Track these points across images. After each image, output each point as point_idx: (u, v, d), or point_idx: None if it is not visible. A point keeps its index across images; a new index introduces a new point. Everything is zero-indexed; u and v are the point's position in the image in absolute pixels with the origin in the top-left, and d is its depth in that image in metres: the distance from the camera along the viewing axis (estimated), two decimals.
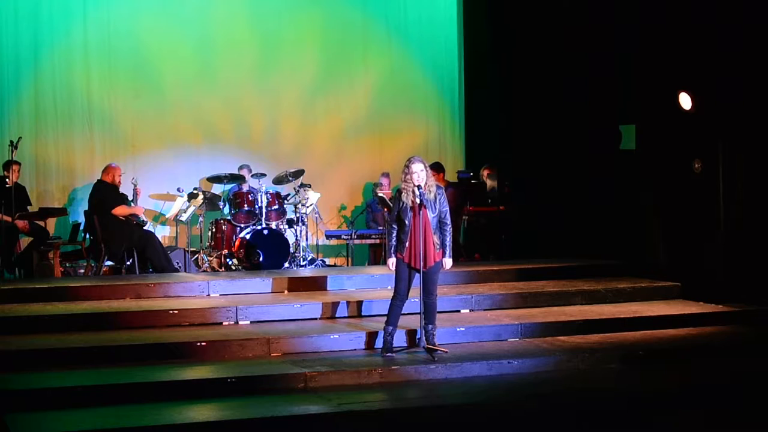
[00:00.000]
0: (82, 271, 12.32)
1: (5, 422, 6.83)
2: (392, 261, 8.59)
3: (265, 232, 12.41)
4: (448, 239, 8.58)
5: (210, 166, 13.42)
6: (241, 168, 13.39)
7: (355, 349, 8.79)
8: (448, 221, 8.58)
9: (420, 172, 8.42)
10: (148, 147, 13.62)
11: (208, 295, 10.23)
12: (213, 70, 13.90)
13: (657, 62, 11.53)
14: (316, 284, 10.60)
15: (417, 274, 8.52)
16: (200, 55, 13.88)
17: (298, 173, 13.11)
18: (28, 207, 12.16)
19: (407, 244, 8.46)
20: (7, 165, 11.76)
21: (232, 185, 13.04)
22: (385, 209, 12.12)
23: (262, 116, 14.17)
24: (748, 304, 10.43)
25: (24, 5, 13.11)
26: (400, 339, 8.76)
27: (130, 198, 12.23)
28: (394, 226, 8.58)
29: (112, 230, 11.70)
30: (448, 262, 8.64)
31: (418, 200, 8.39)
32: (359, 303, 9.75)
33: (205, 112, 13.87)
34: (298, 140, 14.33)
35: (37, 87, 13.18)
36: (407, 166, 8.47)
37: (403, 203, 8.47)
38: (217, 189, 13.51)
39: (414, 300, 8.71)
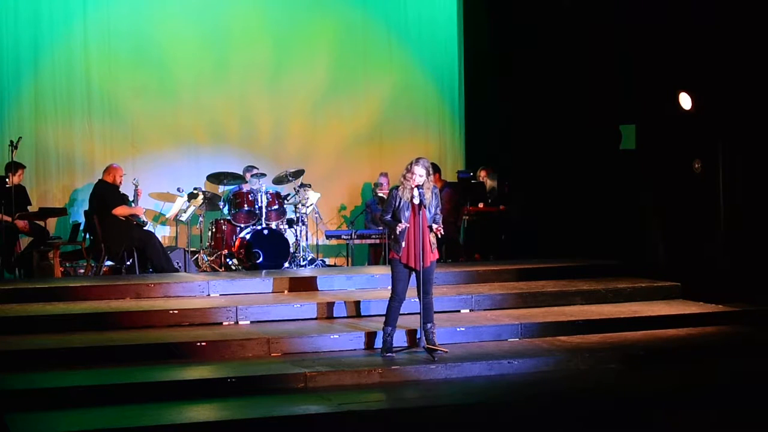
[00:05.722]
0: (82, 271, 12.33)
1: (5, 422, 6.83)
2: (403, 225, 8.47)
3: (265, 232, 12.40)
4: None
5: (212, 165, 13.40)
6: (248, 169, 13.34)
7: (354, 349, 8.78)
8: (440, 221, 8.61)
9: (420, 177, 8.41)
10: (149, 146, 13.61)
11: (208, 295, 10.23)
12: (217, 68, 13.88)
13: (657, 62, 11.53)
14: (316, 284, 10.60)
15: (412, 275, 8.53)
16: (204, 53, 13.85)
17: (298, 173, 13.10)
18: (28, 207, 12.16)
19: (404, 244, 8.45)
20: (10, 167, 11.74)
21: (233, 186, 13.02)
22: None
23: (268, 117, 14.15)
24: (748, 304, 10.43)
25: (24, 5, 13.10)
26: (400, 339, 8.76)
27: (131, 198, 12.23)
28: (388, 217, 8.55)
29: (112, 230, 11.71)
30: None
31: (417, 201, 8.39)
32: (359, 303, 9.75)
33: (209, 111, 13.86)
34: (303, 141, 14.33)
35: (37, 87, 13.16)
36: (410, 167, 8.44)
37: (401, 202, 8.45)
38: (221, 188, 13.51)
39: (413, 300, 8.71)
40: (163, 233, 13.52)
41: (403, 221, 8.43)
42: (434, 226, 8.50)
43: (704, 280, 10.85)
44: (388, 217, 8.55)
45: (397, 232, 8.46)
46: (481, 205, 13.46)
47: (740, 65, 10.79)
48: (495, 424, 7.30)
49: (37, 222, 12.20)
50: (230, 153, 13.87)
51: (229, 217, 12.73)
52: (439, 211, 8.60)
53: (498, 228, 13.34)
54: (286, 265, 12.37)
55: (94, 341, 8.55)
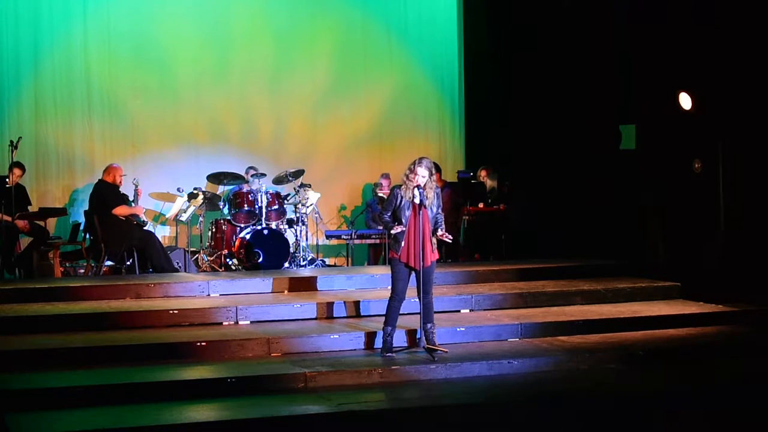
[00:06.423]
0: (82, 271, 12.32)
1: (5, 422, 6.83)
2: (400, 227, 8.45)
3: (265, 232, 12.40)
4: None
5: (213, 165, 13.39)
6: (247, 170, 13.34)
7: (354, 349, 8.78)
8: (442, 221, 8.61)
9: (422, 177, 8.39)
10: (149, 146, 13.60)
11: (208, 295, 10.23)
12: (218, 68, 13.87)
13: (657, 62, 11.53)
14: (316, 284, 10.60)
15: (411, 274, 8.52)
16: (204, 53, 13.84)
17: (298, 173, 13.11)
18: (28, 207, 12.16)
19: (404, 243, 8.44)
20: (12, 167, 11.76)
21: (233, 186, 13.01)
22: None
23: (268, 117, 14.14)
24: (748, 304, 10.43)
25: (24, 5, 13.09)
26: (400, 339, 8.76)
27: (131, 198, 12.23)
28: (387, 216, 8.53)
29: (112, 230, 11.71)
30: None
31: (417, 200, 8.38)
32: (359, 303, 9.74)
33: (210, 111, 13.84)
34: (303, 142, 14.33)
35: (37, 87, 13.16)
36: (413, 167, 8.40)
37: (402, 200, 8.43)
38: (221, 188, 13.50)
39: (413, 300, 8.71)
40: (163, 233, 13.52)
41: (403, 220, 8.42)
42: (439, 231, 8.49)
43: (704, 280, 10.86)
44: (388, 216, 8.54)
45: (393, 233, 8.47)
46: (481, 205, 13.45)
47: (740, 65, 10.79)
48: (495, 424, 7.30)
49: (37, 222, 12.21)
50: (230, 153, 13.86)
51: (229, 217, 12.73)
52: (440, 211, 8.60)
53: (498, 228, 13.33)
54: (286, 265, 12.37)
55: (94, 341, 8.55)
